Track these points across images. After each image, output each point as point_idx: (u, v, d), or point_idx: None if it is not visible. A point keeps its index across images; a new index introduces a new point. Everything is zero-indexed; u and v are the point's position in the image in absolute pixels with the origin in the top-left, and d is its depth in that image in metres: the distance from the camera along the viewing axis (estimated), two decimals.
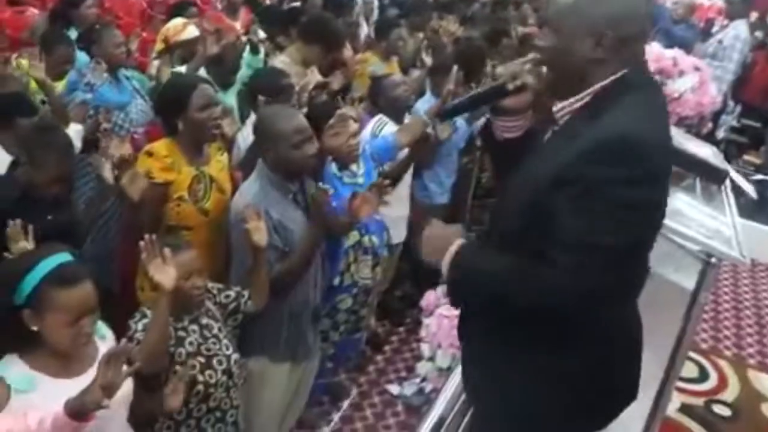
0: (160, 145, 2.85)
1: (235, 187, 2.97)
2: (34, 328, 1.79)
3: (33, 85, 3.89)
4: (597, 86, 1.67)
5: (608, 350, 1.79)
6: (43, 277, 1.77)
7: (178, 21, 4.56)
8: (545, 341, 1.73)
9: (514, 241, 1.74)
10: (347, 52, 5.39)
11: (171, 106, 2.87)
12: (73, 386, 1.76)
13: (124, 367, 1.77)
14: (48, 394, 1.78)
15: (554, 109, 1.75)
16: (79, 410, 1.67)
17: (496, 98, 1.89)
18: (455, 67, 3.75)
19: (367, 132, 3.71)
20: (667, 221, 1.80)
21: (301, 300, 2.82)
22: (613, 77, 1.66)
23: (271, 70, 3.82)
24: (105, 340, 2.02)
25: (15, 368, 1.81)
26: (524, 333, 1.75)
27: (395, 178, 3.65)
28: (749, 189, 3.98)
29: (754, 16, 8.56)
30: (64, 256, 1.83)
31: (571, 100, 1.71)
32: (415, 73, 4.72)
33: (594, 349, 1.75)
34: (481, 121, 2.16)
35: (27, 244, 2.36)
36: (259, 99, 3.47)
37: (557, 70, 1.74)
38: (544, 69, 1.80)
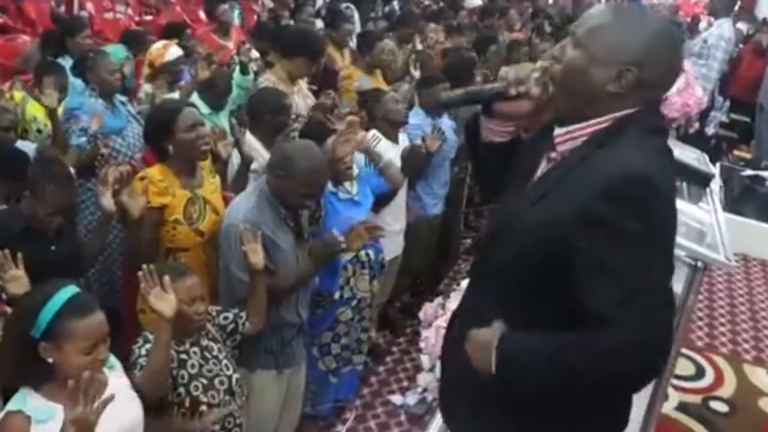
0: (154, 170, 2.93)
1: None
2: (50, 360, 1.84)
3: (29, 113, 3.96)
4: (606, 117, 1.57)
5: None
6: (58, 310, 1.84)
7: (159, 44, 4.57)
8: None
9: (513, 281, 1.64)
10: (341, 61, 5.49)
11: (159, 131, 2.94)
12: None
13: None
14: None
15: (555, 133, 1.63)
16: None
17: (494, 100, 1.76)
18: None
19: None
20: None
21: (285, 317, 2.88)
22: (624, 112, 1.56)
23: (271, 90, 3.85)
24: (113, 369, 2.06)
25: (32, 400, 1.86)
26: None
27: (389, 196, 3.74)
28: None
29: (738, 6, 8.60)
30: (73, 289, 1.91)
31: (575, 127, 1.59)
32: (404, 87, 4.78)
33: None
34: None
35: (17, 272, 2.37)
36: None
37: (569, 87, 1.60)
38: (552, 82, 1.67)
